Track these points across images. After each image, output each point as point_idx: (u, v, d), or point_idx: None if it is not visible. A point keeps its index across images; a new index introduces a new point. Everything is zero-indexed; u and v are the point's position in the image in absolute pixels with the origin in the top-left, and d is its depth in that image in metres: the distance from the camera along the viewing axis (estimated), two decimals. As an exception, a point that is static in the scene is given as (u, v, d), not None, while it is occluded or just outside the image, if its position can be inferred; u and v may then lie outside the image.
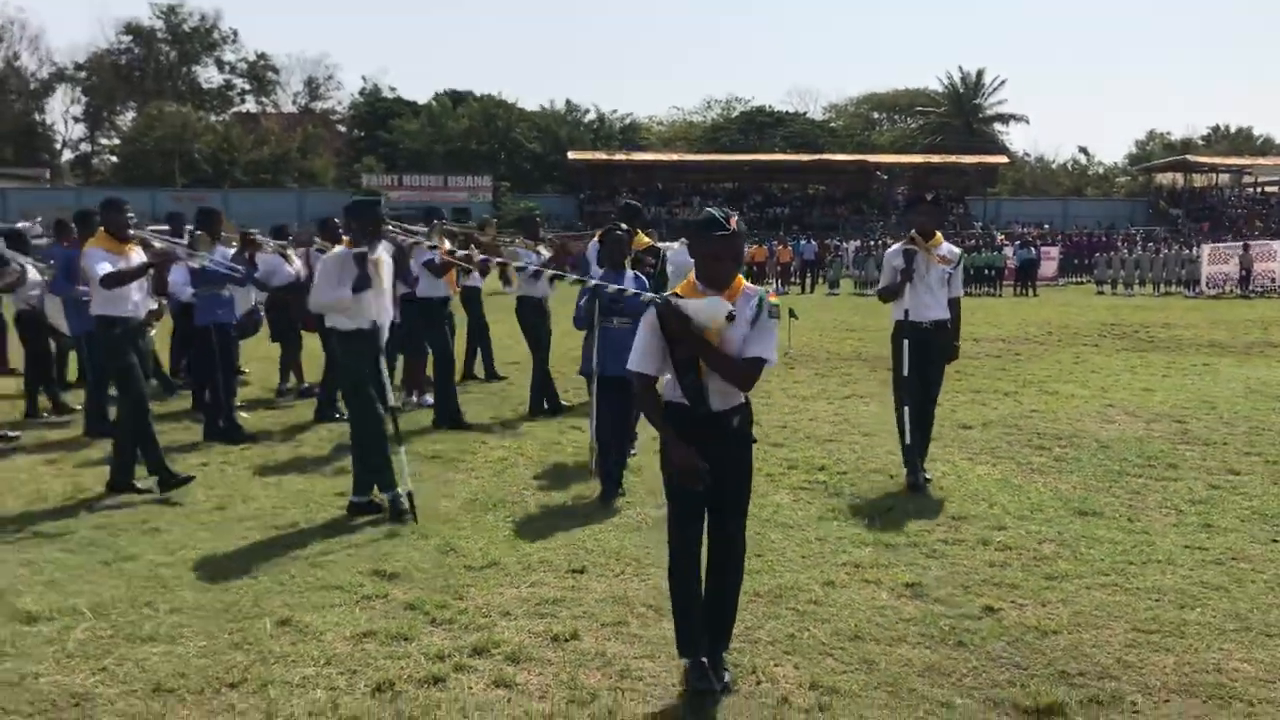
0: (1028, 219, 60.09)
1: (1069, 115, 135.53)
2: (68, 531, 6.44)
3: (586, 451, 8.06)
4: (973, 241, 39.90)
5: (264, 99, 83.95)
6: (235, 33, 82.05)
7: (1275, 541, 6.20)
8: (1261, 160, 64.50)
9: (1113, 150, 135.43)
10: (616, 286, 7.00)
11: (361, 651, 4.65)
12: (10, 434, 9.27)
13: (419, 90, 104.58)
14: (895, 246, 7.83)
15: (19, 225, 16.96)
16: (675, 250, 10.87)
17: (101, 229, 7.19)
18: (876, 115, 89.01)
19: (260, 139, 72.88)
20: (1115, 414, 10.51)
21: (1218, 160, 63.09)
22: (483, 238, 10.24)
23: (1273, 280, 31.51)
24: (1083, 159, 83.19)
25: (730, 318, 4.02)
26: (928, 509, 6.93)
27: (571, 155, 62.34)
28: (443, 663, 4.50)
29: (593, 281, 7.14)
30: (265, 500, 7.23)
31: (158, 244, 7.48)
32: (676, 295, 4.18)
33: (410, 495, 6.73)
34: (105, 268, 6.89)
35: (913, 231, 7.69)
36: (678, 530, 4.25)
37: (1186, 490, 7.38)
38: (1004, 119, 78.64)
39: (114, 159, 79.18)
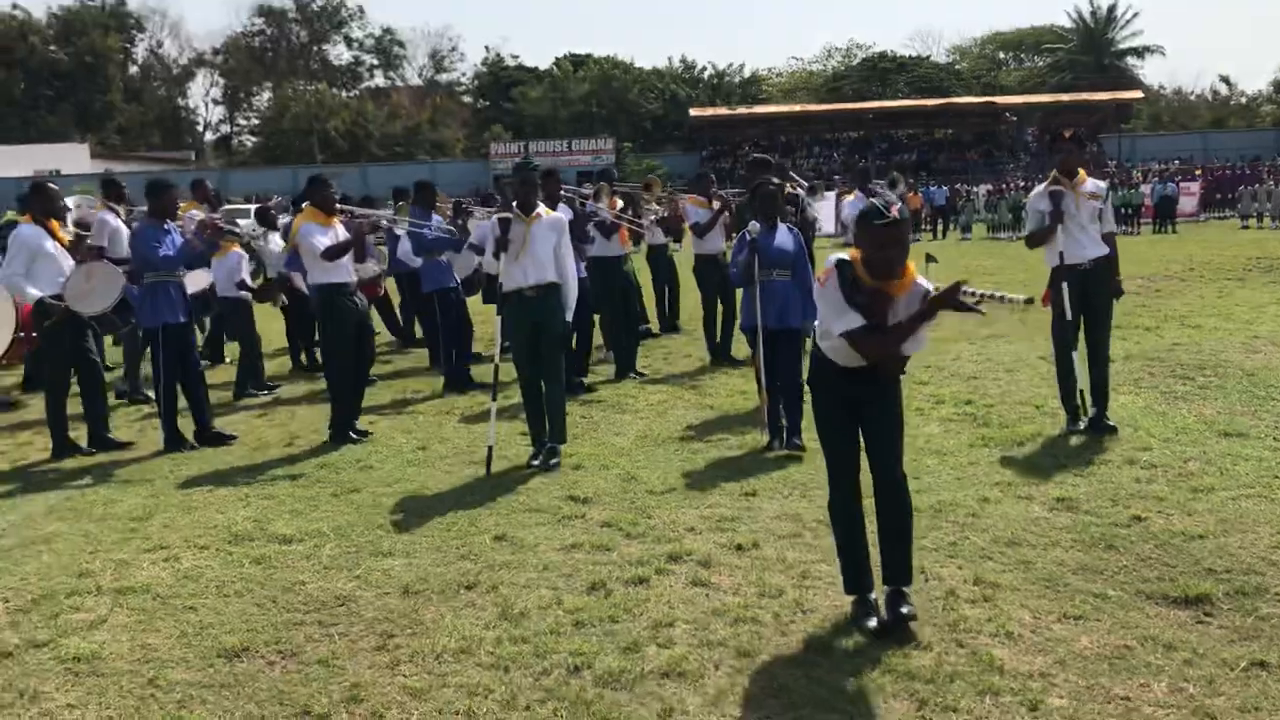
0: (1166, 154, 58.09)
1: (1208, 44, 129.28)
2: (297, 473, 7.30)
3: (752, 399, 8.62)
4: (1107, 181, 38.96)
5: (392, 74, 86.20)
6: (361, 9, 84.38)
7: None
8: None
9: (1257, 78, 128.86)
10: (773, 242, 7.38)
11: (572, 559, 5.33)
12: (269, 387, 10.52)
13: (540, 57, 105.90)
14: (1039, 188, 7.68)
15: (270, 202, 18.76)
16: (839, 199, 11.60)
17: (308, 204, 8.03)
18: (1002, 55, 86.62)
19: (392, 113, 75.00)
20: (1261, 345, 10.60)
21: (1373, 82, 59.85)
22: (649, 196, 10.82)
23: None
24: (1224, 89, 79.68)
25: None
26: (1073, 435, 7.31)
27: (693, 112, 62.52)
28: (644, 567, 5.15)
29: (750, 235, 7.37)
30: (459, 440, 8.01)
31: (360, 216, 8.29)
32: (840, 265, 4.25)
33: (490, 449, 7.13)
34: (323, 241, 7.73)
35: (1054, 171, 7.59)
36: (836, 475, 4.52)
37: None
38: (1138, 52, 75.78)
39: (254, 139, 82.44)
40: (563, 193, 9.13)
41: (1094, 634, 4.24)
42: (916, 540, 5.22)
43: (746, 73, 79.26)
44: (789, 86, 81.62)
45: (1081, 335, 7.51)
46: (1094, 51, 73.78)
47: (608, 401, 9.28)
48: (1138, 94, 66.31)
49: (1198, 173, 41.27)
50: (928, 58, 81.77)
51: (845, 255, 4.29)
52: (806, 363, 5.44)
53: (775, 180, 8.15)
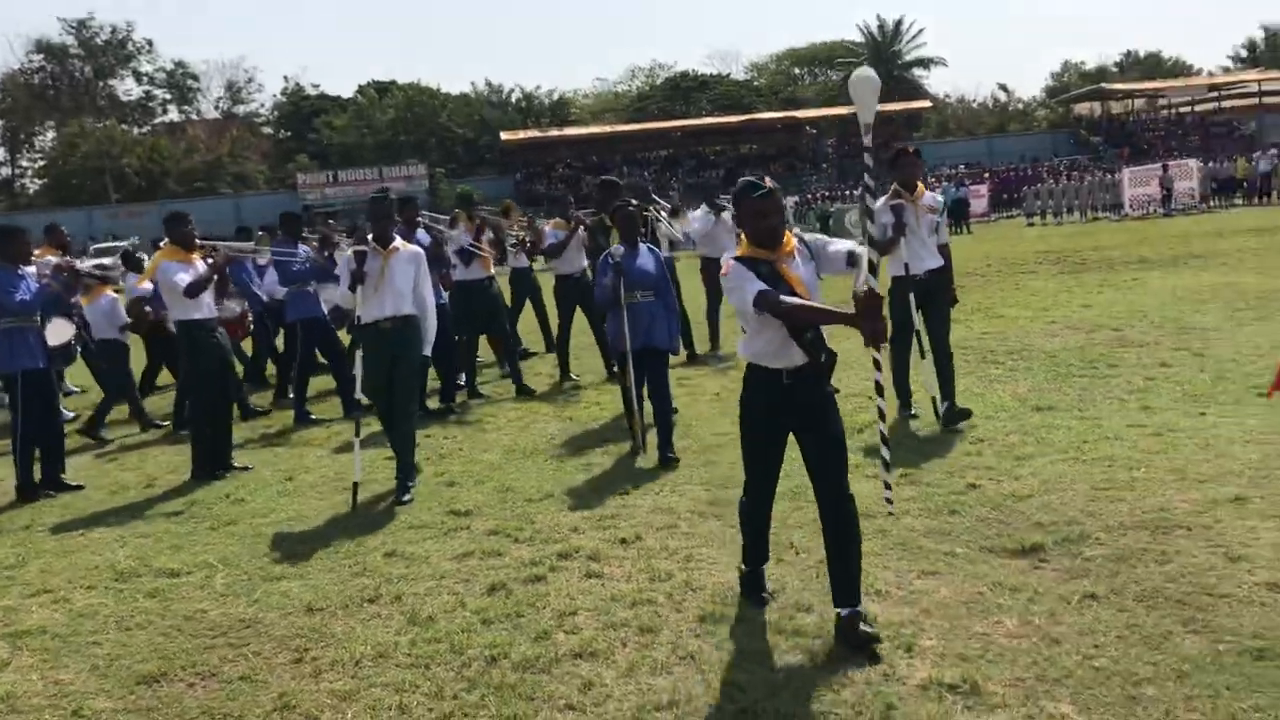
0: (955, 159, 61.61)
1: (986, 54, 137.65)
2: (170, 510, 7.29)
3: (609, 409, 9.00)
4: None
5: (186, 107, 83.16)
6: (150, 43, 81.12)
7: (1203, 414, 7.33)
8: (1173, 83, 66.61)
9: (1031, 84, 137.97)
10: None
11: (466, 566, 5.60)
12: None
13: (342, 85, 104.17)
14: (881, 201, 7.69)
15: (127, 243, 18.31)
16: (696, 216, 11.96)
17: (167, 241, 8.01)
18: (798, 70, 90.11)
19: (189, 148, 72.46)
20: (1058, 329, 11.66)
21: (1132, 86, 65.05)
22: (509, 221, 11.10)
23: (1192, 197, 33.14)
24: (1003, 96, 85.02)
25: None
26: (906, 419, 7.99)
27: (505, 136, 62.84)
28: (538, 567, 5.46)
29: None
30: (325, 469, 8.12)
31: (221, 249, 8.30)
32: (737, 258, 4.40)
33: (356, 485, 7.06)
34: (184, 278, 7.73)
35: (894, 185, 7.71)
36: (756, 488, 4.68)
37: (1126, 383, 8.51)
38: (923, 63, 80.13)
39: (40, 181, 78.19)
40: (420, 220, 9.34)
41: (950, 585, 4.79)
42: (783, 520, 5.74)
43: (555, 95, 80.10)
44: (597, 108, 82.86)
45: (925, 340, 7.80)
46: (883, 64, 77.54)
47: (469, 421, 9.52)
48: (927, 103, 70.22)
49: (985, 176, 43.99)
50: (728, 75, 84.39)
51: (736, 255, 4.44)
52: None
53: (635, 201, 8.26)
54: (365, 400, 7.58)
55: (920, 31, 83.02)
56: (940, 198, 8.11)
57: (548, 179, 61.20)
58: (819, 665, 4.13)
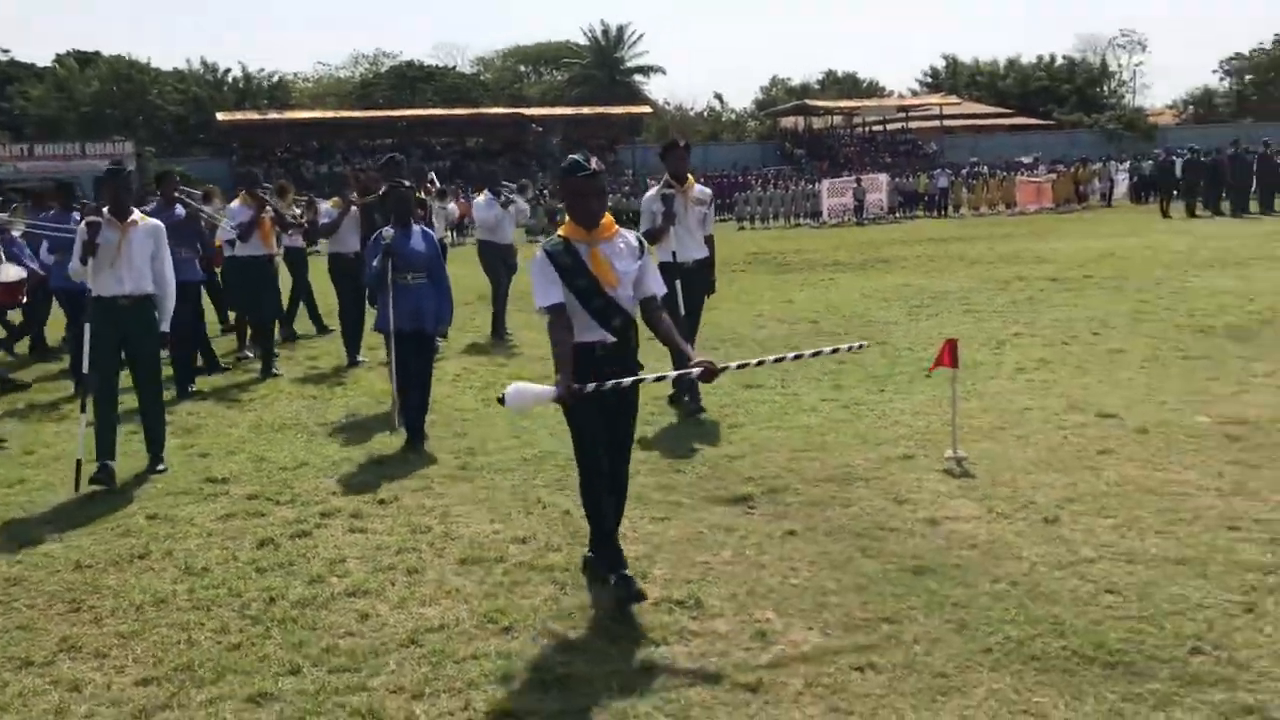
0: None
1: (703, 65, 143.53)
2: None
3: (355, 387, 9.34)
4: (627, 188, 42.72)
5: None
6: None
7: (882, 391, 8.56)
8: (868, 102, 72.09)
9: (743, 97, 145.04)
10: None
11: (232, 525, 5.93)
12: None
13: (37, 53, 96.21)
14: (652, 192, 8.18)
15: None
16: (480, 202, 12.32)
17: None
18: (524, 68, 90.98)
19: None
20: (765, 320, 12.93)
21: (832, 104, 69.78)
22: (282, 201, 11.04)
23: (881, 208, 36.32)
24: (717, 106, 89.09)
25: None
26: (643, 394, 8.82)
27: (221, 116, 60.14)
28: (302, 524, 5.87)
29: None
30: (62, 445, 8.07)
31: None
32: (559, 238, 4.58)
33: (79, 462, 6.81)
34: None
35: (666, 175, 8.13)
36: (589, 467, 4.72)
37: (820, 366, 9.69)
38: (644, 70, 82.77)
39: None
40: (178, 195, 9.32)
41: (676, 528, 5.59)
42: (538, 476, 6.41)
43: (274, 77, 77.31)
44: (318, 92, 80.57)
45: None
46: (606, 68, 79.63)
47: (213, 397, 9.61)
48: (647, 109, 72.58)
49: (702, 181, 46.25)
50: (454, 69, 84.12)
51: (556, 236, 4.64)
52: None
53: (408, 183, 8.16)
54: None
55: (641, 38, 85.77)
56: (709, 191, 8.51)
57: (266, 162, 59.00)
58: (568, 592, 4.80)
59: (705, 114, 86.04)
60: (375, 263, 7.40)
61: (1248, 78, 72.54)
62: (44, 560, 5.49)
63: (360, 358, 11.08)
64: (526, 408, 4.47)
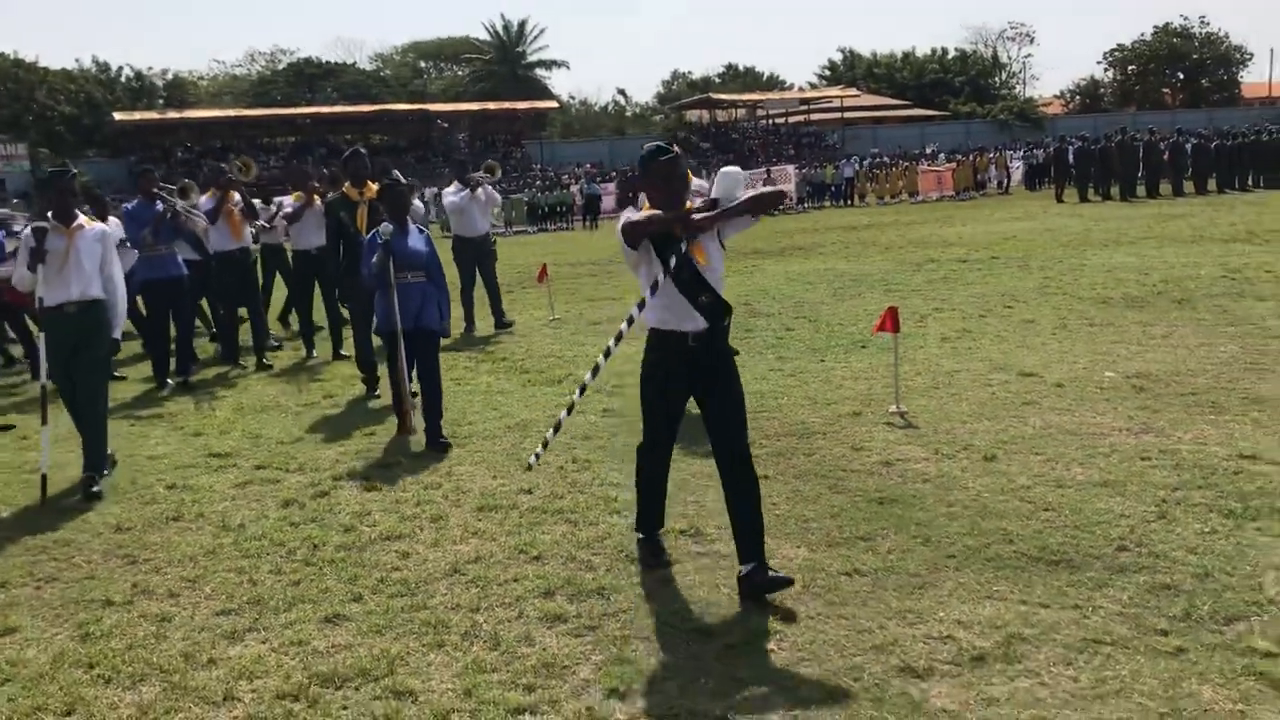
0: (580, 159, 64.72)
1: (606, 59, 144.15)
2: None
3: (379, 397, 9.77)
4: (539, 182, 43.20)
5: None
6: None
7: (822, 361, 9.34)
8: (770, 95, 73.48)
9: (646, 90, 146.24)
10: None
11: (251, 491, 6.44)
12: None
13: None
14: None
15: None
16: (450, 192, 12.26)
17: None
18: (424, 64, 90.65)
19: None
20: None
21: (735, 97, 71.01)
22: (245, 177, 11.16)
23: (790, 199, 37.38)
24: (622, 100, 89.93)
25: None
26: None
27: (118, 116, 58.96)
28: (319, 487, 6.41)
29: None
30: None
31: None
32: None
33: (44, 476, 6.60)
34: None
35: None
36: (653, 440, 4.84)
37: (762, 341, 10.45)
38: (547, 65, 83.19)
39: None
40: (157, 190, 9.64)
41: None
42: (524, 441, 7.02)
43: (169, 76, 75.91)
44: (215, 90, 79.32)
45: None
46: (508, 63, 79.82)
47: (186, 386, 10.00)
48: (553, 104, 73.08)
49: (613, 175, 46.92)
50: (353, 65, 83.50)
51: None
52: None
53: (405, 180, 7.88)
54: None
55: (543, 33, 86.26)
56: (704, 183, 8.49)
57: (166, 162, 58.08)
58: (582, 528, 5.45)
59: (610, 108, 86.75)
60: (375, 260, 7.16)
61: (1130, 68, 75.70)
62: (84, 525, 5.95)
63: (314, 352, 11.33)
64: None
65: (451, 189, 12.57)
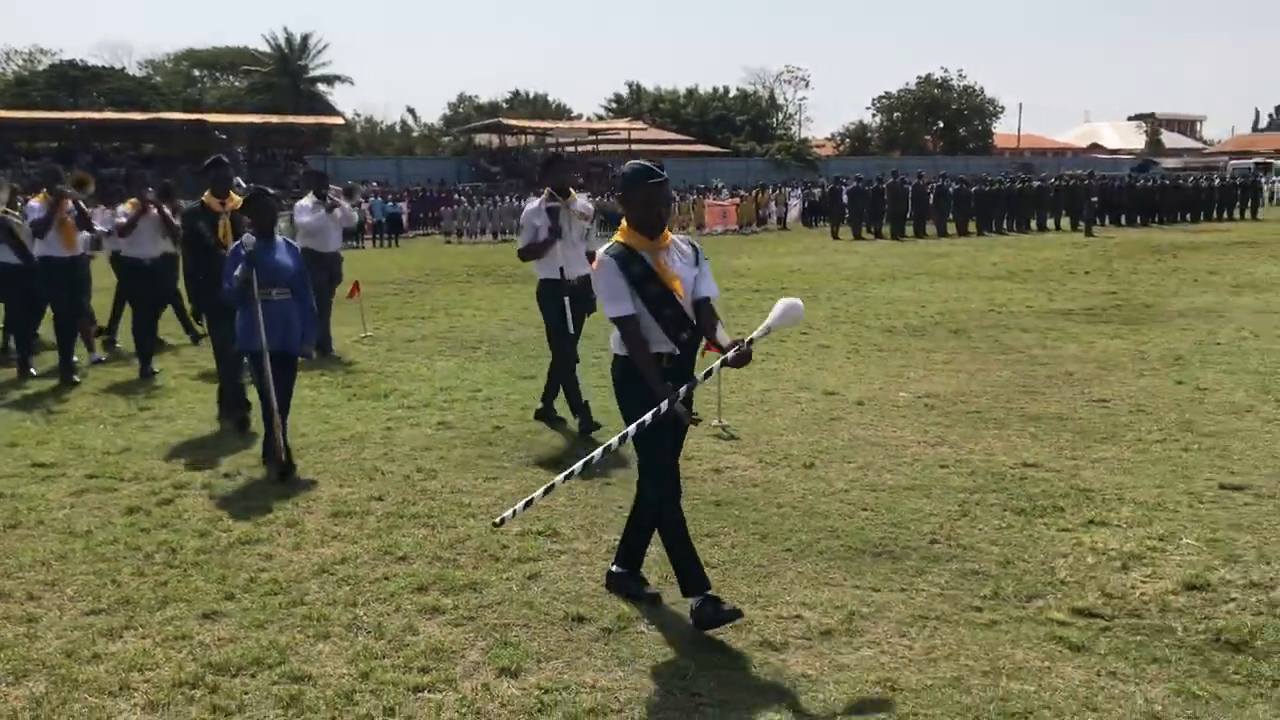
0: (365, 177, 63.65)
1: (394, 78, 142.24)
2: None
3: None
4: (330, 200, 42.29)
5: None
6: None
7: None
8: (560, 124, 74.43)
9: (434, 111, 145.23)
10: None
11: (89, 499, 6.35)
12: None
13: None
14: (534, 204, 7.83)
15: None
16: (301, 206, 11.54)
17: None
18: (198, 73, 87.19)
19: None
20: (512, 325, 13.96)
21: (525, 123, 71.58)
22: (84, 193, 10.53)
23: (587, 226, 38.09)
24: (410, 120, 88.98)
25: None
26: (426, 386, 9.65)
27: None
28: (161, 494, 6.39)
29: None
30: None
31: None
32: (613, 253, 4.39)
33: None
34: None
35: (548, 189, 7.87)
36: (662, 474, 4.51)
37: (585, 361, 10.83)
38: (330, 80, 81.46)
39: None
40: None
41: (510, 484, 6.56)
42: (363, 451, 7.18)
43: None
44: (-36, 88, 73.88)
45: None
46: (289, 76, 77.78)
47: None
48: (339, 120, 71.65)
49: (405, 194, 46.53)
50: (121, 70, 79.50)
51: (616, 240, 4.46)
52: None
53: (272, 190, 7.60)
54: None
55: (326, 47, 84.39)
56: (592, 205, 8.34)
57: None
58: (437, 530, 5.69)
59: (398, 127, 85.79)
60: (238, 274, 6.66)
61: (895, 115, 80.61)
62: (-88, 534, 5.75)
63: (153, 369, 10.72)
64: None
65: (306, 202, 11.86)
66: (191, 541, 5.53)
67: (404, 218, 39.21)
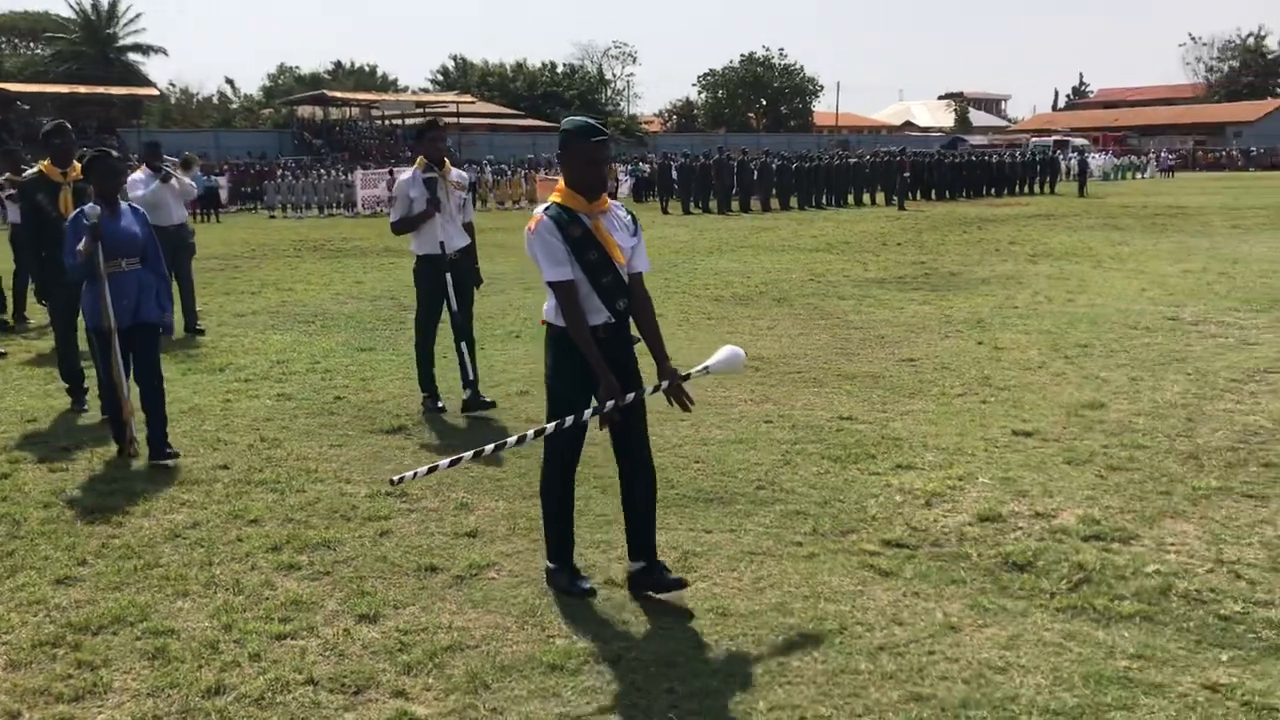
0: (180, 149, 61.22)
1: (212, 49, 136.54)
2: None
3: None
4: (165, 171, 40.62)
5: None
6: None
7: (483, 350, 10.04)
8: (386, 96, 72.98)
9: (253, 83, 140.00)
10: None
11: (-82, 476, 6.22)
12: None
13: None
14: (408, 174, 7.55)
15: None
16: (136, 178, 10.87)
17: None
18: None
19: None
20: (345, 298, 13.96)
21: (350, 95, 69.95)
22: None
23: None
24: (229, 91, 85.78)
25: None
26: (262, 359, 9.64)
27: None
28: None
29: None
30: None
31: None
32: (550, 213, 4.20)
33: None
34: None
35: (422, 158, 7.53)
36: (559, 453, 4.44)
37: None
38: (142, 49, 77.80)
39: None
40: None
41: (356, 450, 6.72)
42: (204, 422, 7.21)
43: None
44: None
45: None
46: (98, 45, 73.93)
47: None
48: (153, 91, 68.56)
49: (225, 168, 45.00)
50: (-93, 33, 74.14)
51: (552, 201, 4.27)
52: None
53: (115, 152, 6.93)
54: None
55: (138, 17, 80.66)
56: (468, 175, 8.11)
57: None
58: (286, 495, 5.83)
59: (215, 99, 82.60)
60: (80, 247, 6.20)
61: (720, 92, 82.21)
62: None
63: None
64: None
65: (140, 175, 11.21)
66: (36, 513, 5.53)
67: (223, 192, 37.87)
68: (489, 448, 4.44)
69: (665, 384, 4.32)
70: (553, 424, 4.28)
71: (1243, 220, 24.63)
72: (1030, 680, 3.64)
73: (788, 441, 6.72)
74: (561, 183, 4.32)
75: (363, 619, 4.25)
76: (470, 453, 4.41)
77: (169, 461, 6.40)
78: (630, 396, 4.26)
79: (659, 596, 4.42)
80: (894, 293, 13.42)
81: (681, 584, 4.43)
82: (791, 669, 3.78)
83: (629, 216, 4.45)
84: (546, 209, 4.24)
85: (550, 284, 4.20)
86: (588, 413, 4.29)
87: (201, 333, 11.22)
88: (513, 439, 4.40)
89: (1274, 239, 19.84)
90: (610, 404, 4.20)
